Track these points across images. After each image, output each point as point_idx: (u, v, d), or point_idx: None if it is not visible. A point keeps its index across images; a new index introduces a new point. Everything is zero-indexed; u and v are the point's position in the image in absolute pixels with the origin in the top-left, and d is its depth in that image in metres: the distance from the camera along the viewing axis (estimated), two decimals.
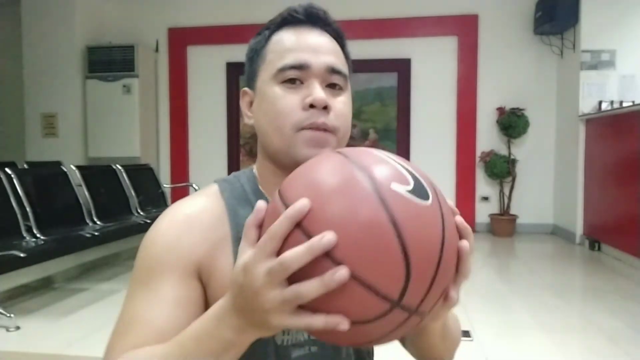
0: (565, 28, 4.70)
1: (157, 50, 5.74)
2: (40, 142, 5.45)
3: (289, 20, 0.73)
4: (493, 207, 5.23)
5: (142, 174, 4.50)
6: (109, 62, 5.35)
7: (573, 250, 4.30)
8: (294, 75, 0.68)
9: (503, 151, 5.11)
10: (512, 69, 5.18)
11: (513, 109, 5.00)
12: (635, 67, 4.33)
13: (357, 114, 5.43)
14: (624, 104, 4.01)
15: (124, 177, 4.09)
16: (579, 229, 4.50)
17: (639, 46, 4.32)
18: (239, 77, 5.67)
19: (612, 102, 4.23)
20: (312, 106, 0.67)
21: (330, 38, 0.73)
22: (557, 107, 5.10)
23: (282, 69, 0.68)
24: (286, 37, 0.71)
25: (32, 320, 2.44)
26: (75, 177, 3.53)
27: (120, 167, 4.13)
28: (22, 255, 2.34)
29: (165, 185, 4.89)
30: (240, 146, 5.71)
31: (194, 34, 5.67)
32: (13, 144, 5.58)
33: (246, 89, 0.76)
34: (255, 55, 0.74)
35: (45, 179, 3.34)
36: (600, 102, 4.30)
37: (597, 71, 4.38)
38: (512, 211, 5.07)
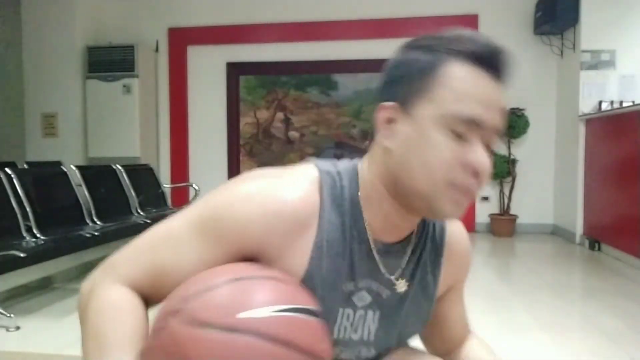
0: (565, 28, 4.70)
1: (157, 50, 5.73)
2: (40, 142, 5.45)
3: (474, 55, 0.64)
4: (493, 207, 5.23)
5: (142, 174, 4.50)
6: (109, 62, 5.36)
7: (573, 250, 4.30)
8: (463, 130, 0.63)
9: (503, 151, 5.11)
10: (512, 69, 5.17)
11: (513, 109, 4.99)
12: (635, 67, 4.32)
13: (357, 114, 5.44)
14: (624, 104, 4.01)
15: (124, 177, 4.09)
16: (579, 229, 4.50)
17: (639, 46, 4.32)
18: (239, 77, 5.67)
19: (612, 102, 4.22)
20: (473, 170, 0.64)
21: (502, 90, 0.67)
22: (557, 107, 5.10)
23: (454, 118, 0.63)
24: (466, 77, 0.64)
25: (32, 320, 2.44)
26: (75, 177, 3.53)
27: (120, 167, 4.13)
28: (22, 255, 2.34)
29: (165, 185, 4.89)
30: (240, 146, 5.71)
31: (194, 34, 5.67)
32: (13, 144, 5.58)
33: (390, 103, 0.67)
34: (422, 74, 0.65)
35: (45, 179, 3.34)
36: (600, 102, 4.29)
37: (597, 71, 4.38)
38: (512, 211, 5.07)
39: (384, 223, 0.69)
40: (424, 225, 0.77)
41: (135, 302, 0.65)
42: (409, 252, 0.74)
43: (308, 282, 0.65)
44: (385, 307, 0.73)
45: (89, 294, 0.67)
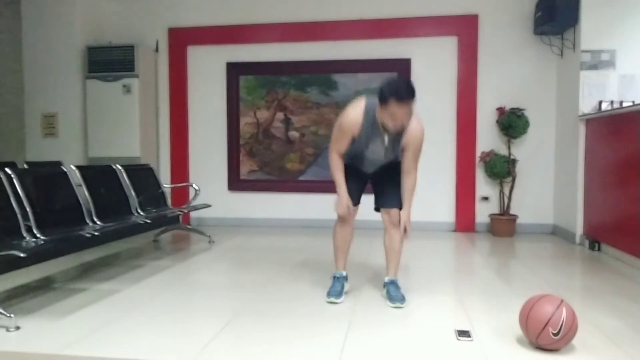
0: (565, 28, 4.70)
1: (157, 50, 5.74)
2: (40, 142, 5.45)
3: (397, 97, 2.37)
4: (493, 207, 5.23)
5: (142, 174, 4.50)
6: (109, 62, 5.36)
7: (573, 250, 4.30)
8: (392, 115, 2.42)
9: (503, 151, 5.11)
10: (512, 69, 5.18)
11: (513, 109, 5.00)
12: (635, 67, 4.33)
13: None
14: (624, 104, 4.02)
15: (124, 177, 4.09)
16: (579, 229, 4.50)
17: (639, 46, 4.32)
18: (239, 77, 5.67)
19: (612, 102, 4.23)
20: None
21: (409, 103, 2.40)
22: (557, 107, 5.11)
23: (390, 112, 2.41)
24: (393, 105, 2.37)
25: (32, 320, 2.44)
26: (75, 177, 3.53)
27: (120, 167, 4.13)
28: (22, 255, 2.34)
29: (165, 185, 4.89)
30: (240, 146, 5.70)
31: (194, 34, 5.67)
32: (13, 144, 5.58)
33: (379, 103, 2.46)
34: (386, 99, 2.40)
35: (45, 179, 3.34)
36: (600, 102, 4.30)
37: (597, 71, 4.38)
38: (512, 211, 5.07)
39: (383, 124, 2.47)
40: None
41: (341, 160, 2.63)
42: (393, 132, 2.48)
43: (359, 136, 2.52)
44: (385, 146, 2.55)
45: (330, 157, 2.65)
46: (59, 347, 2.09)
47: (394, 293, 2.69)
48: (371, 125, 2.49)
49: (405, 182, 2.62)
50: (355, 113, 2.51)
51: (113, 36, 5.66)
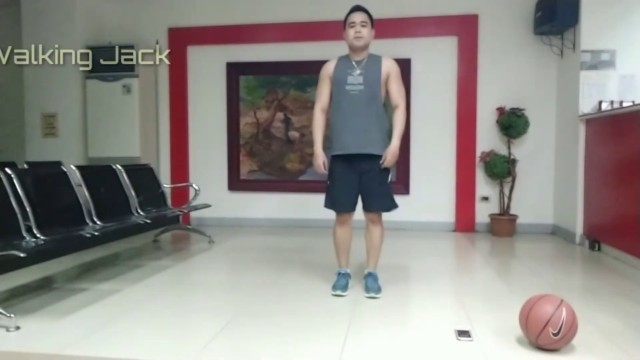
0: (565, 28, 4.70)
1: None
2: (40, 142, 5.45)
3: (351, 10, 2.87)
4: (493, 207, 5.23)
5: (142, 174, 4.50)
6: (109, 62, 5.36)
7: (573, 250, 4.30)
8: (351, 24, 2.85)
9: (503, 151, 5.11)
10: (512, 69, 5.18)
11: (513, 109, 5.00)
12: (635, 67, 4.33)
13: None
14: (624, 104, 4.01)
15: (124, 177, 4.09)
16: (579, 229, 4.50)
17: (639, 46, 4.32)
18: (239, 77, 5.67)
19: (612, 102, 4.23)
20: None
21: (360, 13, 2.85)
22: (557, 107, 5.10)
23: (348, 23, 2.87)
24: (350, 14, 2.86)
25: (32, 320, 2.44)
26: (75, 177, 3.53)
27: (120, 167, 4.13)
28: (22, 255, 2.34)
29: (165, 185, 4.89)
30: (240, 146, 5.70)
31: (194, 34, 5.67)
32: (13, 144, 5.58)
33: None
34: (345, 18, 2.88)
35: (45, 179, 3.34)
36: (600, 102, 4.30)
37: (597, 71, 4.38)
38: (512, 211, 5.07)
39: (352, 57, 2.89)
40: (368, 57, 2.87)
41: (323, 117, 2.94)
42: (363, 61, 2.84)
43: (335, 74, 2.87)
44: (360, 71, 2.83)
45: (314, 114, 2.97)
46: (59, 347, 2.09)
47: (370, 284, 2.87)
48: (343, 63, 2.88)
49: (395, 117, 2.88)
50: (328, 62, 2.95)
51: (113, 36, 5.65)
